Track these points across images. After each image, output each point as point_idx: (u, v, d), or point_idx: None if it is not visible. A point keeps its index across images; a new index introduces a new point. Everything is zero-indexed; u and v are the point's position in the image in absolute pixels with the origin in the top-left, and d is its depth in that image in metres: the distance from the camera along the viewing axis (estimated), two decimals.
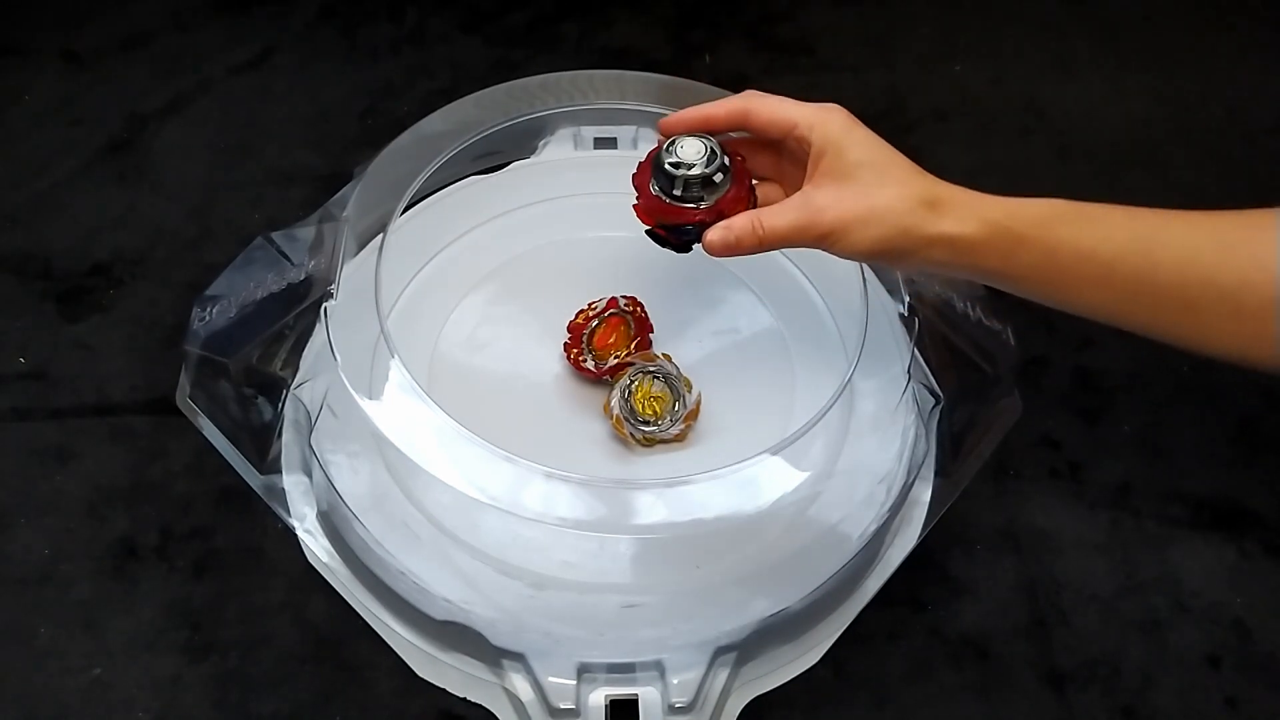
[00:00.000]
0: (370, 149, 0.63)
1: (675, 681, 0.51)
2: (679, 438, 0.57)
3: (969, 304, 0.59)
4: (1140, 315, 0.48)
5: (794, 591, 0.52)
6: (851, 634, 0.55)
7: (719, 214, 0.50)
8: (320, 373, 0.57)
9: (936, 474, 0.57)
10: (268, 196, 0.76)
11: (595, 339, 0.60)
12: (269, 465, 0.55)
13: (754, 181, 0.52)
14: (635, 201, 0.52)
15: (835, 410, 0.54)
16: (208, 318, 0.56)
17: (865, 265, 0.58)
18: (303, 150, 0.80)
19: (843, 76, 0.87)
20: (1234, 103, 0.85)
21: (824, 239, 0.48)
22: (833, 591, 0.54)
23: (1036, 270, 0.48)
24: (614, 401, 0.57)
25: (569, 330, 0.60)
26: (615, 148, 0.72)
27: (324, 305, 0.55)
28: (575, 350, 0.60)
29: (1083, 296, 0.48)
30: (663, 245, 0.52)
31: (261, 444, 0.55)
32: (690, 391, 0.58)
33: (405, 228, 0.64)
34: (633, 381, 0.57)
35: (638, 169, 0.53)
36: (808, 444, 0.56)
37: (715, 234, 0.49)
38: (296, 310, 0.56)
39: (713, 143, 0.51)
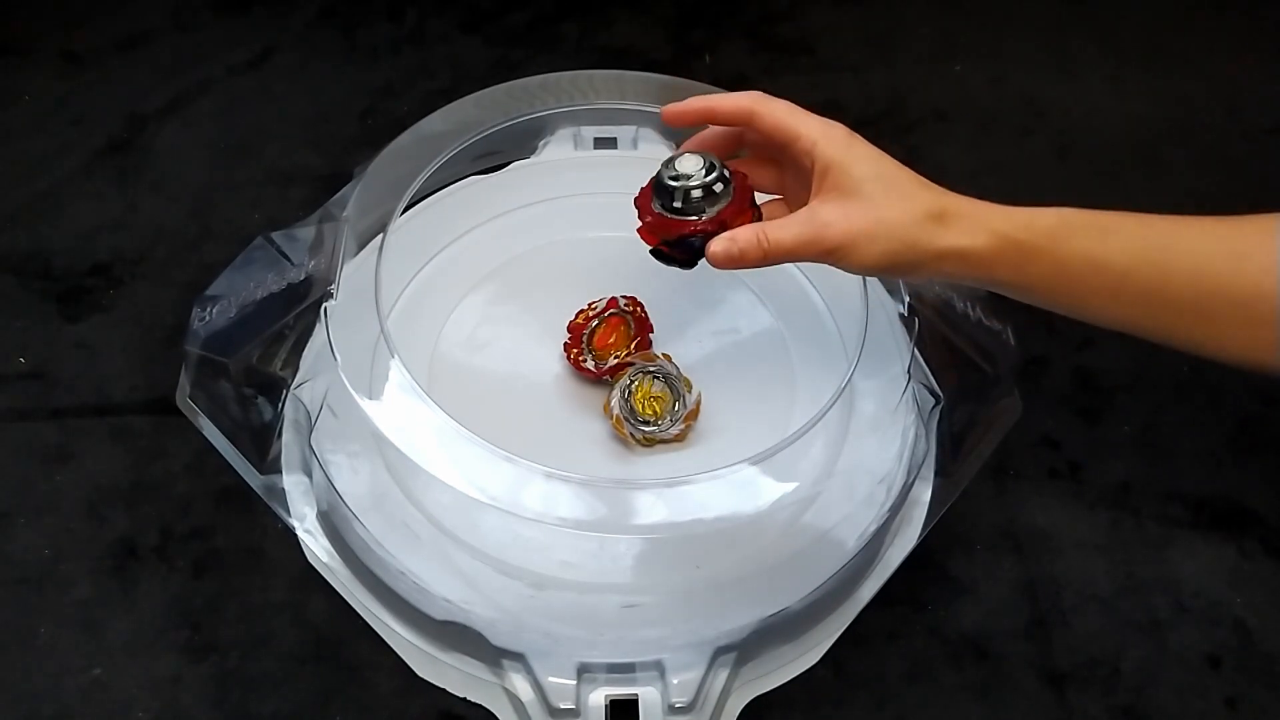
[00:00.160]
0: (370, 149, 0.63)
1: (675, 681, 0.51)
2: (679, 438, 0.57)
3: (969, 304, 0.59)
4: (1153, 324, 0.48)
5: (794, 592, 0.52)
6: (851, 634, 0.55)
7: (721, 224, 0.49)
8: (320, 373, 0.57)
9: (936, 474, 0.57)
10: (268, 196, 0.76)
11: (595, 339, 0.60)
12: (269, 465, 0.55)
13: (757, 199, 0.52)
14: (639, 225, 0.52)
15: (835, 410, 0.54)
16: (208, 318, 0.56)
17: None
18: (303, 150, 0.80)
19: (843, 76, 0.87)
20: (1234, 103, 0.85)
21: (830, 254, 0.47)
22: (833, 591, 0.54)
23: (1048, 281, 0.47)
24: (614, 401, 0.57)
25: (569, 330, 0.60)
26: (615, 148, 0.72)
27: (324, 305, 0.55)
28: (575, 350, 0.60)
29: (1095, 306, 0.48)
30: (668, 263, 0.52)
31: (261, 444, 0.55)
32: (690, 391, 0.58)
33: (405, 228, 0.64)
34: (633, 381, 0.57)
35: (639, 193, 0.52)
36: (808, 444, 0.56)
37: (719, 245, 0.48)
38: (296, 310, 0.56)
39: (711, 157, 0.50)
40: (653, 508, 0.50)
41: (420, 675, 0.54)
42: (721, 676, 0.52)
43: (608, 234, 0.67)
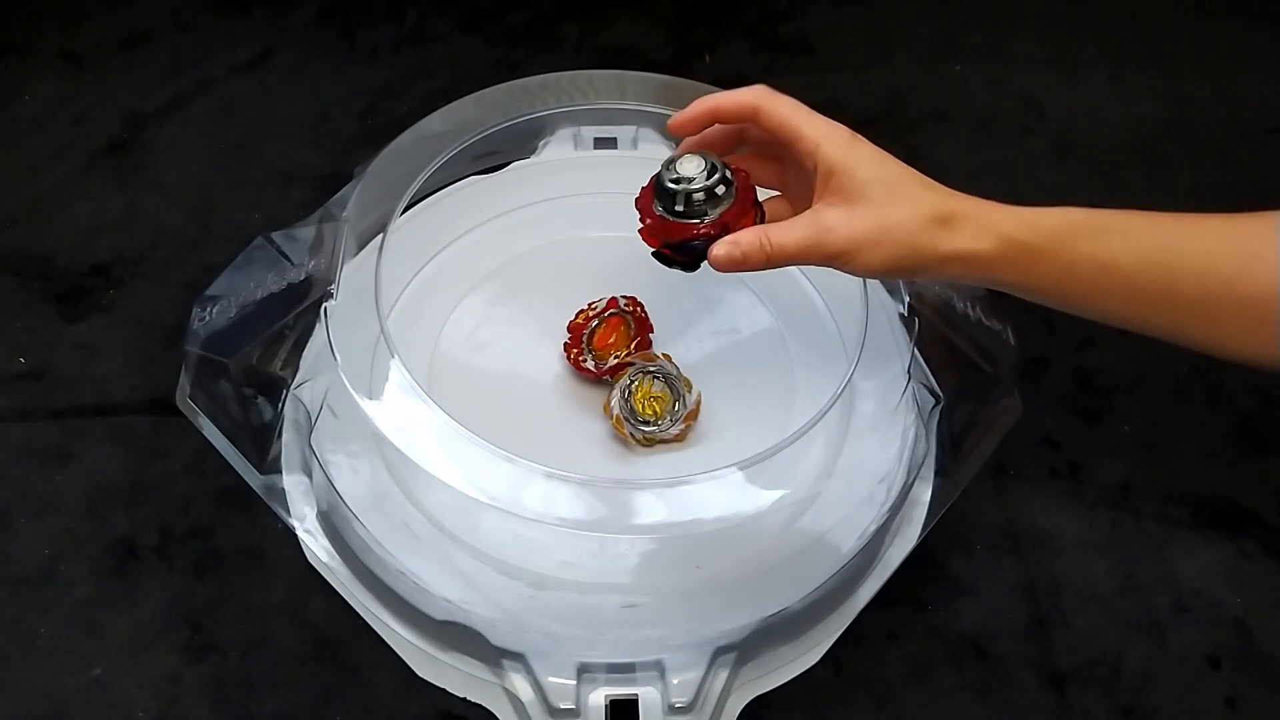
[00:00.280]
0: (370, 149, 0.63)
1: (675, 681, 0.51)
2: (679, 438, 0.57)
3: (969, 304, 0.59)
4: (1160, 324, 0.48)
5: (794, 591, 0.52)
6: (851, 634, 0.55)
7: (724, 227, 0.49)
8: (320, 373, 0.57)
9: (936, 474, 0.57)
10: (268, 196, 0.76)
11: (595, 339, 0.60)
12: (269, 465, 0.55)
13: (760, 197, 0.52)
14: (640, 227, 0.51)
15: (835, 410, 0.54)
16: (208, 318, 0.56)
17: None
18: (303, 150, 0.80)
19: (843, 76, 0.87)
20: (1234, 103, 0.85)
21: (834, 259, 0.47)
22: (833, 591, 0.54)
23: (1055, 282, 0.47)
24: (614, 401, 0.57)
25: (569, 330, 0.60)
26: (615, 148, 0.72)
27: (324, 305, 0.55)
28: (575, 350, 0.60)
29: (1102, 306, 0.48)
30: (670, 265, 0.52)
31: (261, 444, 0.55)
32: (690, 391, 0.58)
33: (405, 228, 0.64)
34: (633, 381, 0.57)
35: (640, 193, 0.52)
36: (808, 444, 0.56)
37: (721, 249, 0.48)
38: (296, 310, 0.56)
39: (713, 157, 0.50)
40: (653, 508, 0.50)
41: (420, 675, 0.54)
42: (721, 676, 0.52)
43: (608, 234, 0.67)
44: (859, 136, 0.48)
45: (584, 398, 0.59)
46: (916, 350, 0.56)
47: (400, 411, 0.51)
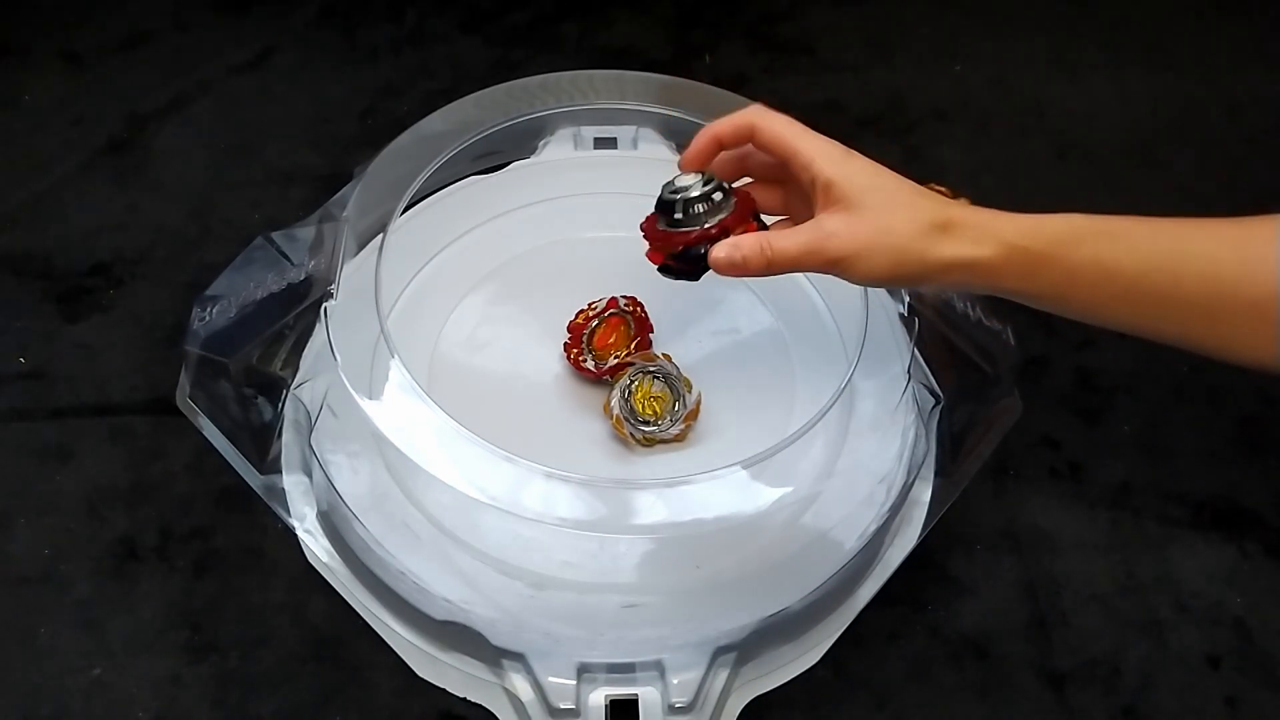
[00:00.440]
0: (370, 149, 0.63)
1: (675, 681, 0.51)
2: (679, 438, 0.57)
3: (969, 304, 0.59)
4: (1164, 328, 0.48)
5: (794, 591, 0.52)
6: (851, 634, 0.55)
7: (724, 231, 0.49)
8: (320, 373, 0.57)
9: (936, 474, 0.57)
10: (268, 196, 0.76)
11: (595, 339, 0.60)
12: (269, 465, 0.55)
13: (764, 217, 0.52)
14: (647, 250, 0.52)
15: (835, 410, 0.54)
16: (208, 318, 0.56)
17: None
18: (303, 150, 0.80)
19: (843, 76, 0.87)
20: (1234, 103, 0.85)
21: (834, 265, 0.47)
22: (833, 591, 0.54)
23: (1058, 289, 0.47)
24: (614, 401, 0.57)
25: (569, 330, 0.61)
26: (615, 148, 0.72)
27: (324, 305, 0.55)
28: (575, 350, 0.60)
29: (1105, 312, 0.48)
30: (677, 277, 0.52)
31: (261, 444, 0.55)
32: (690, 391, 0.58)
33: (405, 228, 0.64)
34: (633, 381, 0.57)
35: (645, 220, 0.52)
36: (807, 444, 0.56)
37: (722, 251, 0.48)
38: (296, 310, 0.56)
39: (710, 173, 0.50)
40: (653, 508, 0.50)
41: (420, 675, 0.54)
42: (721, 676, 0.52)
43: (608, 234, 0.67)
44: (853, 151, 0.49)
45: (584, 398, 0.59)
46: (916, 350, 0.56)
47: (400, 411, 0.51)
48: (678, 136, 0.70)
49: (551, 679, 0.51)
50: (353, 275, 0.57)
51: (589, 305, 0.61)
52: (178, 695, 0.54)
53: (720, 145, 0.51)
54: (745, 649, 0.52)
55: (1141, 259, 0.46)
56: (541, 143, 0.72)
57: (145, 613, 0.56)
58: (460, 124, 0.63)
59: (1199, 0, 0.93)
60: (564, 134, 0.71)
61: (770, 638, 0.53)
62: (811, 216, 0.48)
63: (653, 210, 0.52)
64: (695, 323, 0.63)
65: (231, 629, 0.56)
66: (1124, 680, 0.56)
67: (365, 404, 0.51)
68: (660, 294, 0.62)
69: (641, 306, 0.61)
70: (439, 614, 0.52)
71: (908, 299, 0.57)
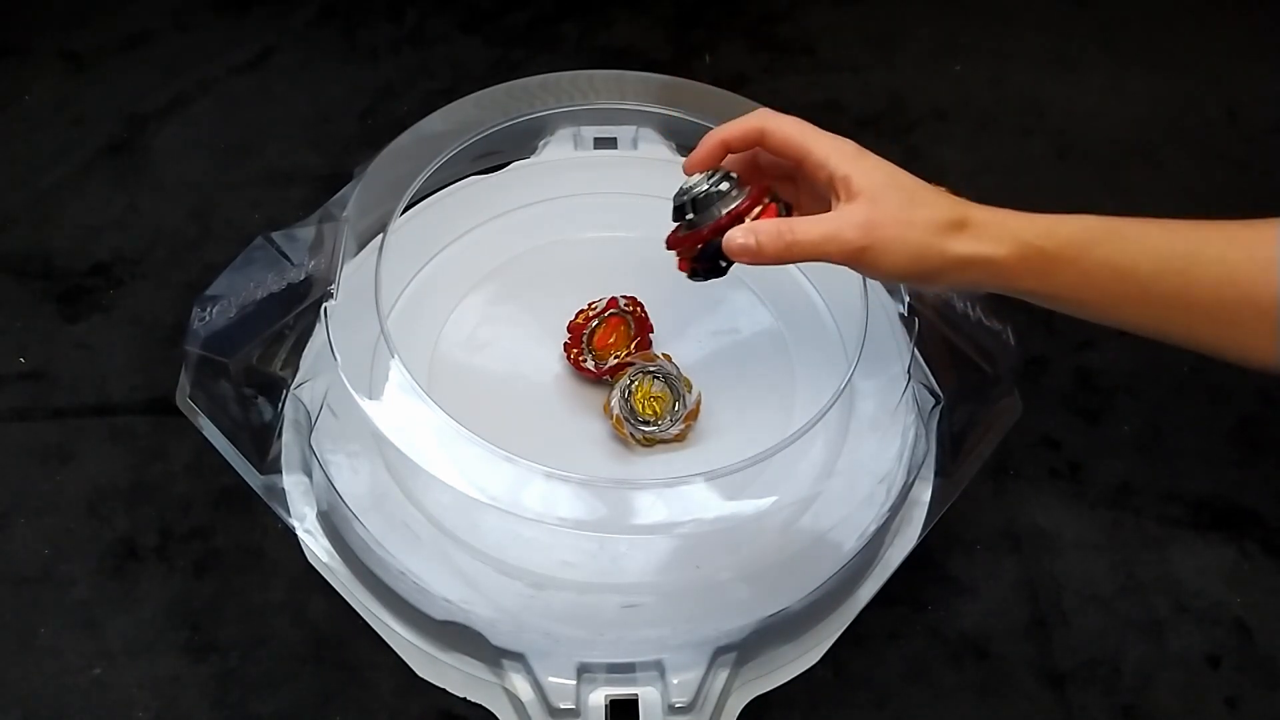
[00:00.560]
0: (370, 149, 0.63)
1: (675, 681, 0.51)
2: (679, 438, 0.57)
3: (969, 304, 0.59)
4: (1177, 330, 0.48)
5: (794, 591, 0.52)
6: (851, 634, 0.55)
7: (737, 218, 0.49)
8: (320, 373, 0.57)
9: (936, 474, 0.57)
10: (268, 196, 0.76)
11: (595, 339, 0.60)
12: (269, 465, 0.55)
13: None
14: (677, 264, 0.52)
15: (835, 410, 0.54)
16: (208, 318, 0.56)
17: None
18: (303, 150, 0.80)
19: (843, 76, 0.87)
20: (1234, 103, 0.85)
21: (855, 255, 0.47)
22: (833, 591, 0.54)
23: (1072, 290, 0.47)
24: (614, 401, 0.57)
25: (569, 330, 0.60)
26: (615, 148, 0.72)
27: (324, 305, 0.55)
28: (575, 350, 0.60)
29: (1119, 313, 0.48)
30: (706, 278, 0.51)
31: (261, 444, 0.55)
32: (690, 391, 0.58)
33: (405, 228, 0.64)
34: (633, 381, 0.57)
35: (669, 234, 0.52)
36: (808, 444, 0.56)
37: (738, 234, 0.47)
38: (296, 310, 0.56)
39: (715, 169, 0.50)
40: (653, 508, 0.50)
41: (420, 675, 0.54)
42: (721, 676, 0.52)
43: (608, 234, 0.67)
44: (865, 149, 0.49)
45: (584, 398, 0.59)
46: (916, 350, 0.56)
47: (400, 411, 0.51)
48: (678, 136, 0.70)
49: (551, 679, 0.51)
50: (353, 275, 0.57)
51: (589, 305, 0.61)
52: (178, 695, 0.54)
53: (727, 149, 0.51)
54: (745, 649, 0.52)
55: (1156, 260, 0.46)
56: (541, 143, 0.72)
57: (145, 613, 0.56)
58: (460, 124, 0.63)
59: (1199, 0, 0.93)
60: (564, 134, 0.71)
61: (770, 638, 0.53)
62: (825, 211, 0.48)
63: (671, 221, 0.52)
64: (695, 323, 0.63)
65: (231, 629, 0.56)
66: (1124, 680, 0.56)
67: (365, 404, 0.51)
68: (660, 294, 0.62)
69: (641, 306, 0.61)
70: (439, 614, 0.52)
71: (908, 299, 0.57)
